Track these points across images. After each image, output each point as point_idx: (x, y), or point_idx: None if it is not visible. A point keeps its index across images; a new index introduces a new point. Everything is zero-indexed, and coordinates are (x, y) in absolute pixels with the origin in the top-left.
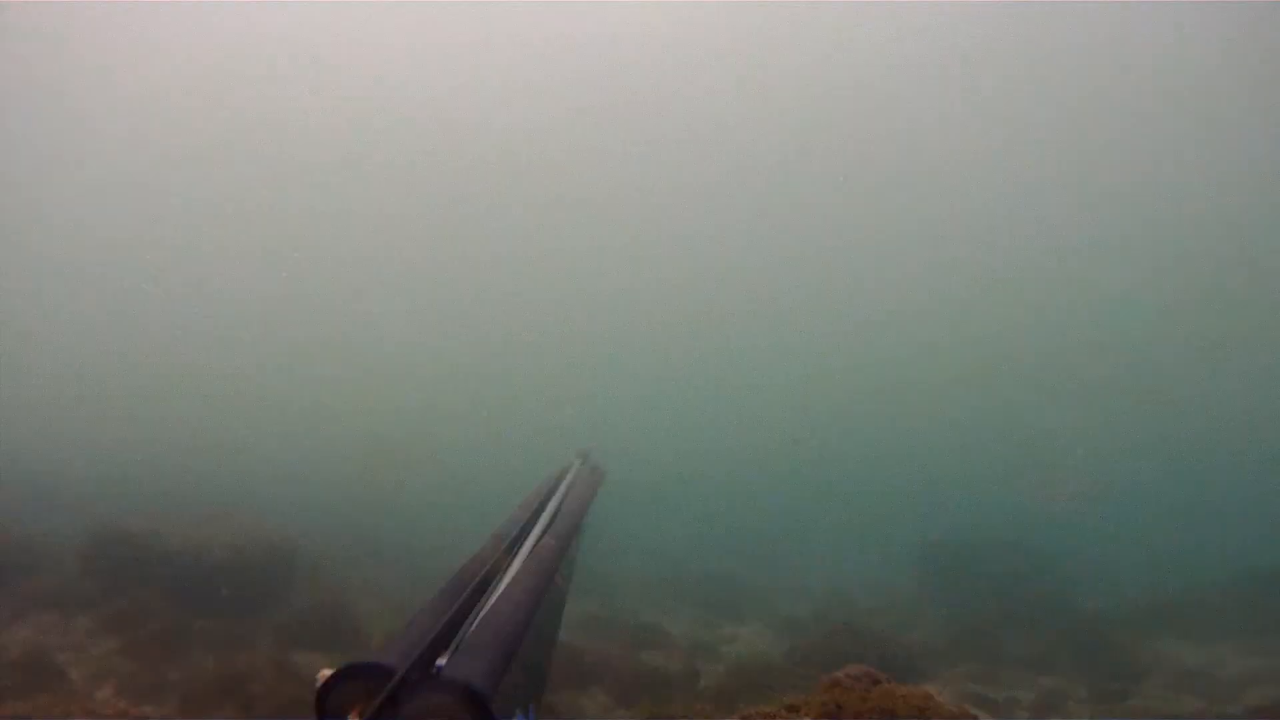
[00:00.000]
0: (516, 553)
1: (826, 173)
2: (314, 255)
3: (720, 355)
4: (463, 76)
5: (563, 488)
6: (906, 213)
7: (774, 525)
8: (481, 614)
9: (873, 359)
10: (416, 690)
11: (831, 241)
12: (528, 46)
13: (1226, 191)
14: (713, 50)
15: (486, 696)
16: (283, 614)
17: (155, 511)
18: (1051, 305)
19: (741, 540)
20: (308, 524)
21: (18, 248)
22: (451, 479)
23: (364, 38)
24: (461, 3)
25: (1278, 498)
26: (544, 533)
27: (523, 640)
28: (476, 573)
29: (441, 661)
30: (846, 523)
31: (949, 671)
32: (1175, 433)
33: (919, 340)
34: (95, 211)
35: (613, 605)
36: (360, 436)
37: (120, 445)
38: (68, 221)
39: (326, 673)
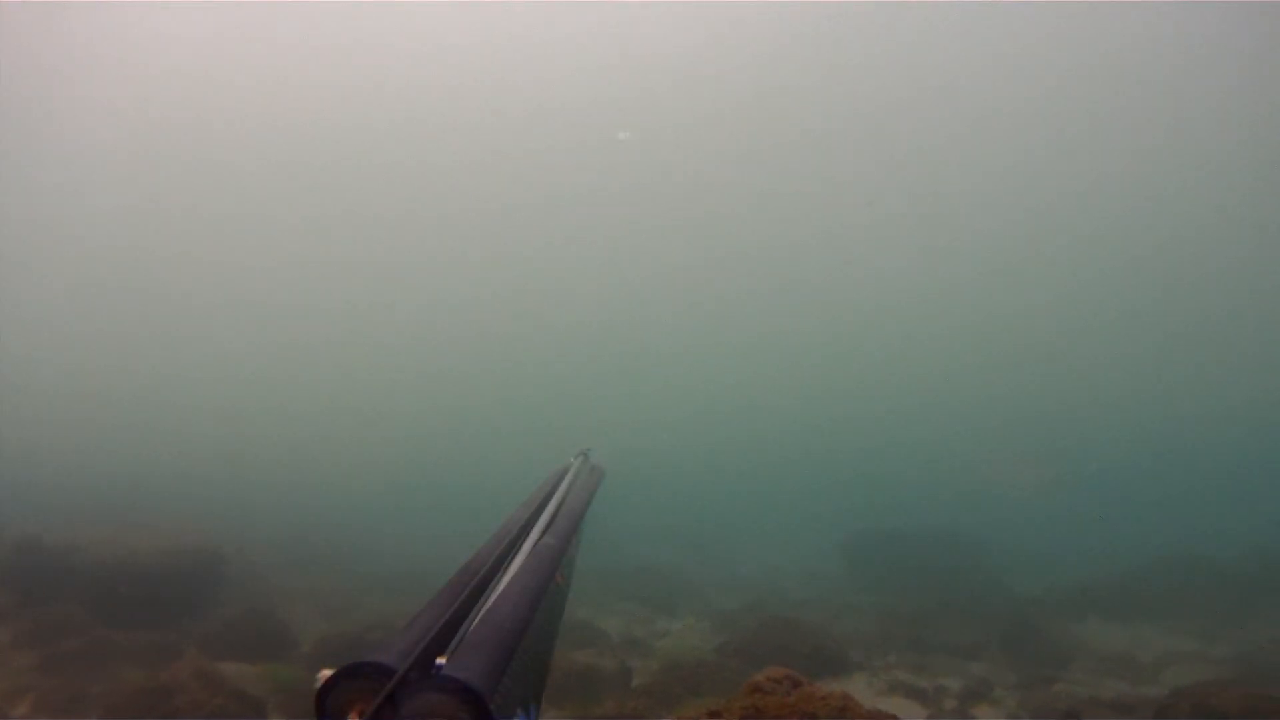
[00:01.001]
0: (516, 552)
1: (792, 177)
2: (308, 256)
3: (688, 351)
4: (464, 77)
5: (563, 487)
6: (857, 210)
7: (720, 517)
8: (481, 613)
9: (839, 355)
10: (416, 690)
11: (790, 240)
12: (530, 48)
13: (1183, 191)
14: (713, 50)
15: (486, 696)
16: (210, 623)
17: (77, 521)
18: (1009, 304)
19: (683, 532)
20: (241, 530)
21: None
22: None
23: (366, 39)
24: (462, 4)
25: (1207, 485)
26: (544, 532)
27: (522, 640)
28: (476, 572)
29: (441, 661)
30: (788, 514)
31: (880, 661)
32: (1123, 426)
33: (886, 336)
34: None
35: None
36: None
37: (49, 452)
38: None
39: (326, 673)
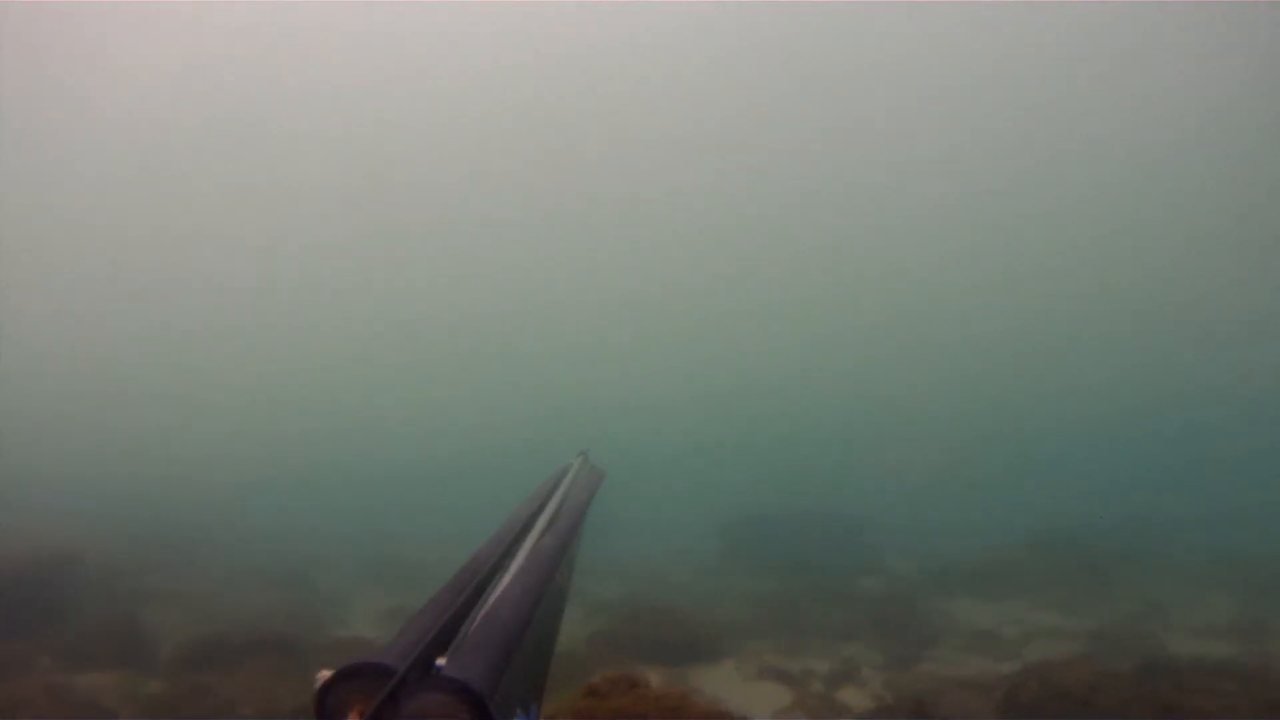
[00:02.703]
0: (516, 553)
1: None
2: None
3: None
4: (465, 77)
5: (563, 487)
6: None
7: (606, 503)
8: (481, 614)
9: (740, 350)
10: (416, 690)
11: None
12: (529, 51)
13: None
14: (713, 50)
15: (486, 696)
16: (65, 633)
17: None
18: (911, 296)
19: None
20: (103, 533)
21: None
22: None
23: (368, 41)
24: (462, 5)
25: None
26: (544, 532)
27: (522, 640)
28: (476, 572)
29: (441, 661)
30: (676, 501)
31: (753, 644)
32: (997, 411)
33: (785, 331)
34: None
35: (420, 597)
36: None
37: None
38: None
39: (326, 673)
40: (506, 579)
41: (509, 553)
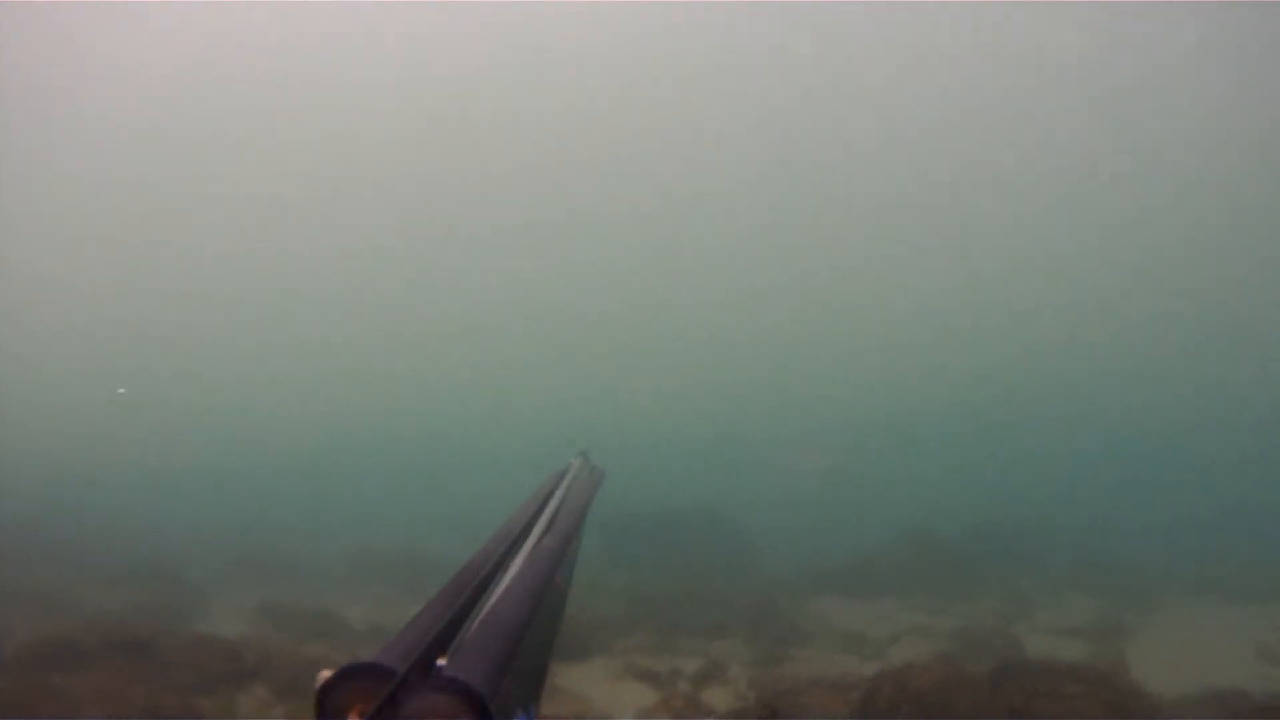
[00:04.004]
0: (516, 553)
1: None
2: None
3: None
4: (466, 77)
5: (563, 488)
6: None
7: (487, 495)
8: (481, 614)
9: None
10: (417, 690)
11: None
12: (526, 48)
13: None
14: (715, 50)
15: (486, 696)
16: None
17: None
18: (804, 299)
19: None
20: None
21: None
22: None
23: (368, 39)
24: (463, 5)
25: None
26: (544, 533)
27: (522, 641)
28: (476, 573)
29: (441, 662)
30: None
31: (623, 642)
32: (870, 415)
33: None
34: None
35: (295, 589)
36: None
37: None
38: None
39: (326, 674)
40: (507, 580)
41: (509, 553)
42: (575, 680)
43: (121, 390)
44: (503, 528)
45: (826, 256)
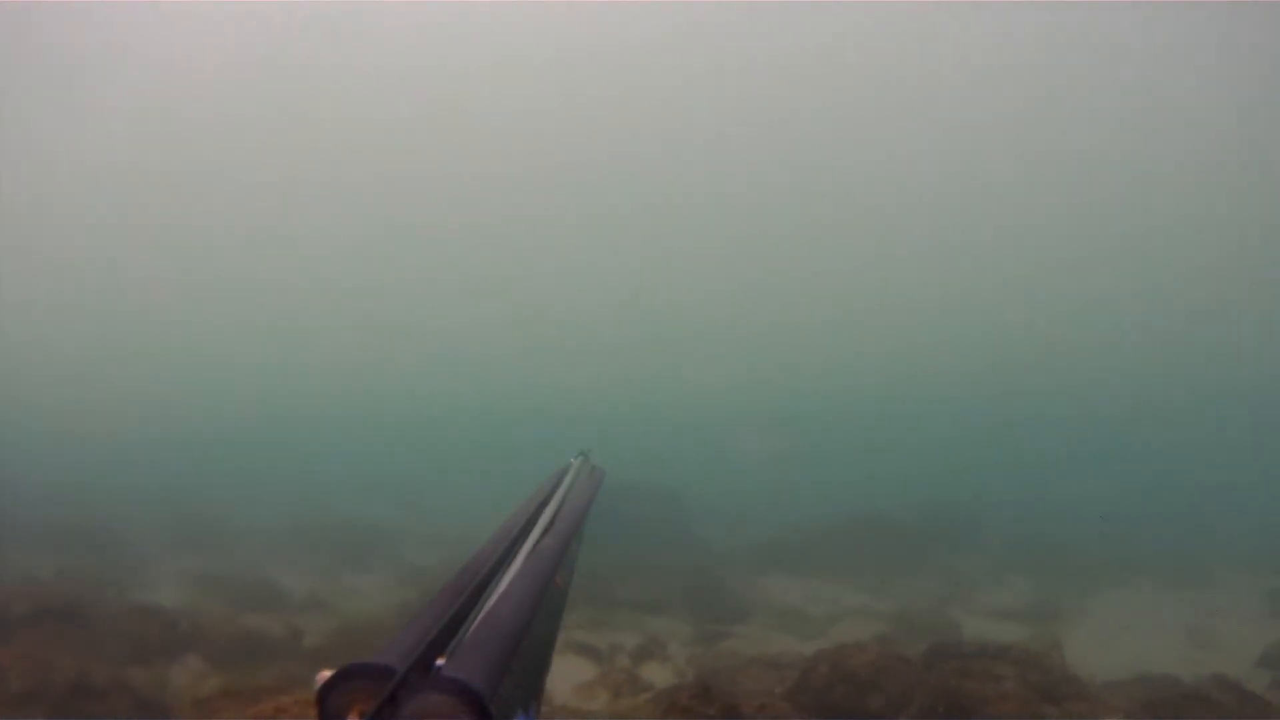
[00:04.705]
0: (516, 553)
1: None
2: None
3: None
4: (467, 76)
5: (563, 488)
6: None
7: (433, 468)
8: (481, 614)
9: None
10: (416, 690)
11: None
12: (531, 49)
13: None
14: (719, 48)
15: (487, 696)
16: None
17: None
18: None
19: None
20: None
21: None
22: None
23: (369, 40)
24: (471, 4)
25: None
26: (544, 533)
27: (522, 640)
28: (476, 573)
29: (441, 662)
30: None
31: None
32: (822, 397)
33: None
34: None
35: (234, 560)
36: None
37: None
38: None
39: (326, 673)
40: (506, 580)
41: (509, 554)
42: None
43: None
44: (503, 528)
45: (795, 251)
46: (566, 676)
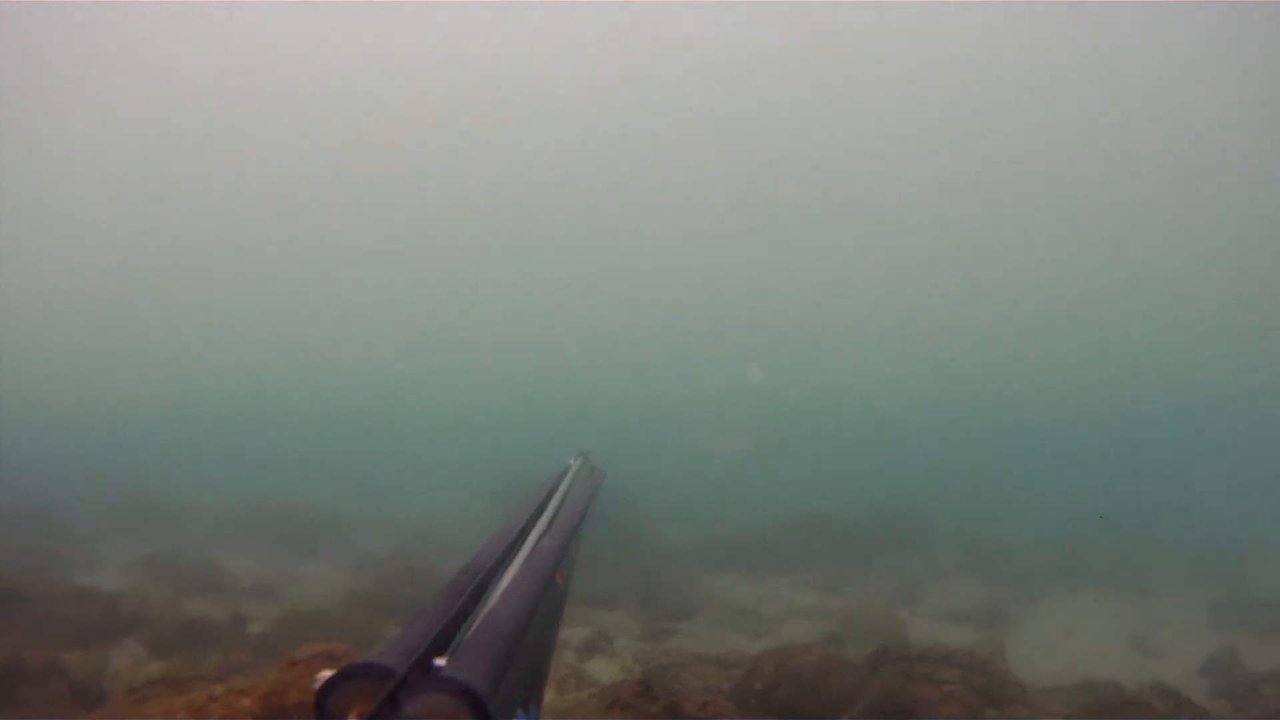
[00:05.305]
0: (516, 553)
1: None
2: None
3: None
4: (466, 75)
5: (562, 488)
6: None
7: (387, 456)
8: (481, 615)
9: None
10: (416, 691)
11: None
12: (532, 44)
13: None
14: (723, 43)
15: (486, 697)
16: None
17: None
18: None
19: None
20: None
21: None
22: None
23: (370, 40)
24: (466, 5)
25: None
26: (544, 533)
27: (522, 641)
28: (476, 574)
29: (440, 662)
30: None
31: None
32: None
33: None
34: None
35: (180, 542)
36: None
37: None
38: None
39: (326, 674)
40: (506, 580)
41: (509, 554)
42: None
43: None
44: (502, 528)
45: (773, 256)
46: None
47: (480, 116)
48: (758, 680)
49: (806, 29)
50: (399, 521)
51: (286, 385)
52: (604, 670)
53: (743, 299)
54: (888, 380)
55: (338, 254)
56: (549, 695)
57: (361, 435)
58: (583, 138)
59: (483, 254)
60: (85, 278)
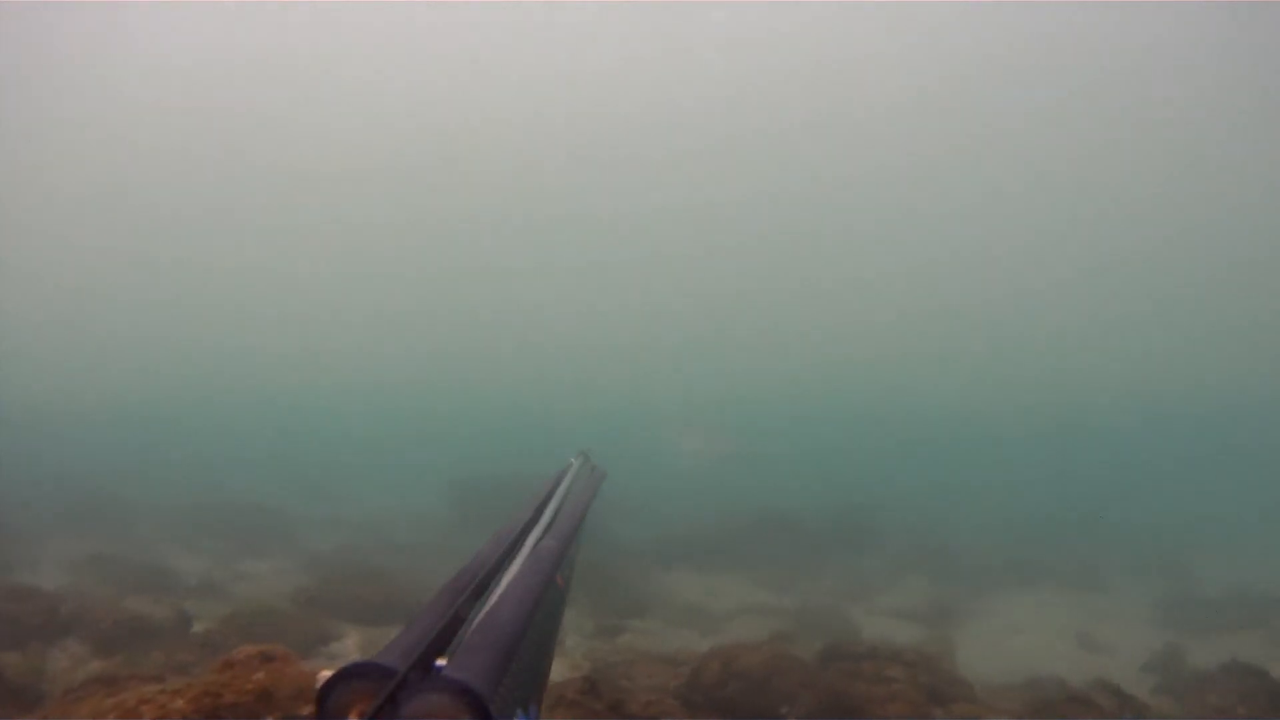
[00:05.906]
0: (516, 553)
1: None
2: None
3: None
4: (465, 77)
5: (563, 488)
6: None
7: (335, 457)
8: (481, 615)
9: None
10: (417, 691)
11: None
12: (529, 49)
13: None
14: (720, 48)
15: (486, 697)
16: None
17: None
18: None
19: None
20: None
21: None
22: None
23: (370, 41)
24: (467, 5)
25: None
26: (544, 533)
27: (522, 641)
28: (476, 574)
29: (441, 662)
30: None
31: None
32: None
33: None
34: None
35: (127, 539)
36: None
37: None
38: None
39: (326, 673)
40: (506, 580)
41: (509, 554)
42: None
43: None
44: (502, 528)
45: (764, 264)
46: None
47: (477, 117)
48: (704, 678)
49: (807, 31)
50: (356, 522)
51: (298, 394)
52: (555, 667)
53: (728, 306)
54: (859, 383)
55: (338, 254)
56: None
57: (338, 440)
58: (581, 139)
59: (483, 254)
60: (45, 279)
